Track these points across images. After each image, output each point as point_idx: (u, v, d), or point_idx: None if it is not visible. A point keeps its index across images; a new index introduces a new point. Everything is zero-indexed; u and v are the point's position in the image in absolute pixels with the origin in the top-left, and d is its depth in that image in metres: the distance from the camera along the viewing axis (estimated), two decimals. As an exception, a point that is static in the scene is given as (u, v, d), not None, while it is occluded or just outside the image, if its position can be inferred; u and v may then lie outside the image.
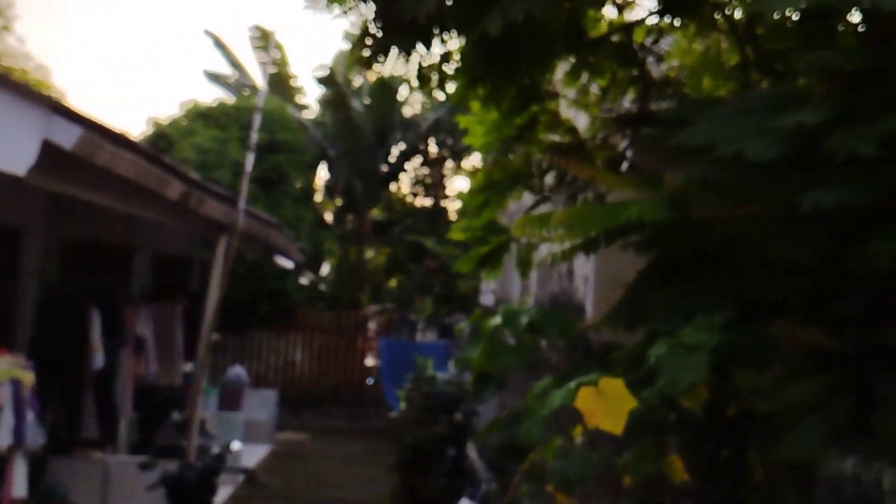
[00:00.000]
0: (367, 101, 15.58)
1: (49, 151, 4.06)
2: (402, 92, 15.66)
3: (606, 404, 2.88)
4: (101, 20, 45.17)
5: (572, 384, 2.92)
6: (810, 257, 2.72)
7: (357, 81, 15.78)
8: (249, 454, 10.58)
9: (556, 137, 5.80)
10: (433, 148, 16.90)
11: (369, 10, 3.83)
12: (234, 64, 15.70)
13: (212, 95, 15.38)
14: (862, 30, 3.50)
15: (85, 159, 4.28)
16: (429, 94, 4.49)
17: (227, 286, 12.30)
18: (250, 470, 9.81)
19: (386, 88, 15.08)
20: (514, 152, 5.87)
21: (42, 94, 4.09)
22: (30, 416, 5.55)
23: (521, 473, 3.33)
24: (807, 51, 3.45)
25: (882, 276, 2.65)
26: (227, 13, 46.48)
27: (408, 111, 16.42)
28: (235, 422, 10.36)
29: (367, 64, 3.99)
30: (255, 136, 7.36)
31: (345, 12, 3.90)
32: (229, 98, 14.93)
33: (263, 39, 14.74)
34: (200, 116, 13.66)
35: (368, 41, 3.87)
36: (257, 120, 7.43)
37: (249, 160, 7.27)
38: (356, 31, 3.92)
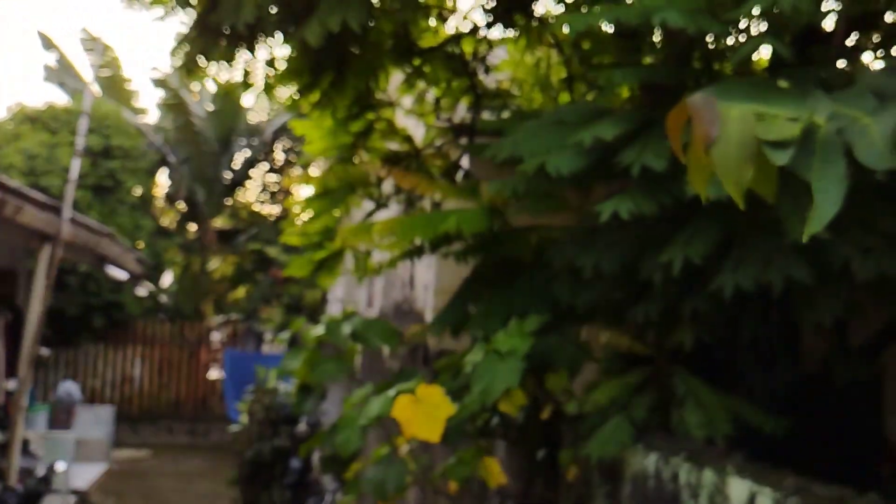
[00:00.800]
0: (210, 106, 15.15)
1: None
2: (248, 98, 15.35)
3: (424, 412, 2.91)
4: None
5: (391, 392, 2.94)
6: (610, 265, 2.85)
7: (197, 86, 15.35)
8: (82, 474, 10.04)
9: (394, 145, 5.86)
10: (279, 155, 16.63)
11: (189, 15, 3.72)
12: (67, 66, 14.88)
13: (43, 98, 14.53)
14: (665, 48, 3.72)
15: None
16: (256, 98, 4.41)
17: (59, 298, 11.68)
18: (81, 491, 9.31)
19: (229, 93, 14.71)
20: (353, 159, 5.88)
21: None
22: None
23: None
24: (619, 66, 3.64)
25: (675, 283, 2.81)
26: (63, 12, 43.97)
27: (253, 117, 16.08)
28: (66, 441, 9.79)
29: (188, 69, 3.87)
30: (81, 141, 7.01)
31: (165, 15, 3.77)
32: (61, 101, 14.12)
33: (92, 42, 14.10)
34: (28, 120, 12.87)
35: (188, 47, 3.75)
36: (84, 123, 7.08)
37: (75, 165, 6.91)
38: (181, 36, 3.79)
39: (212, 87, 14.98)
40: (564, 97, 5.13)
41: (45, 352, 12.08)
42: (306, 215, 5.73)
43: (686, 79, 3.28)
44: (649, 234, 2.87)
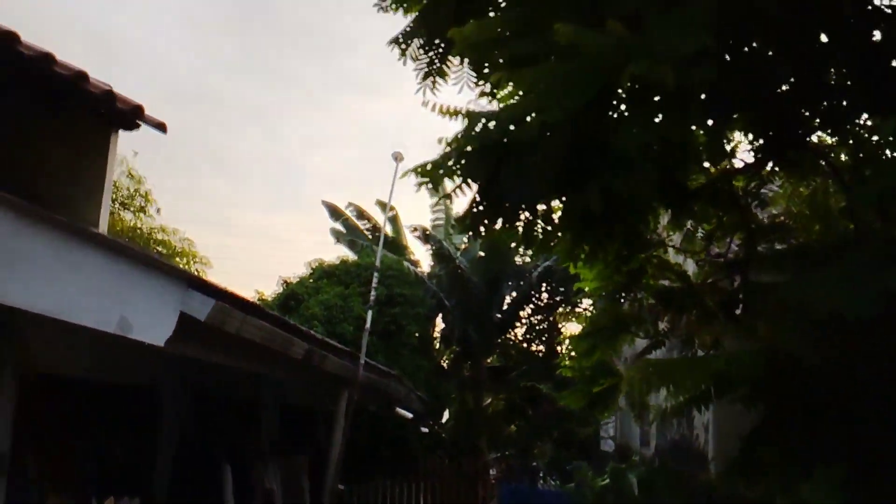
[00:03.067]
0: (480, 253, 16.12)
1: (185, 322, 4.43)
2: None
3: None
4: (230, 190, 48.73)
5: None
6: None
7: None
8: None
9: (666, 282, 5.85)
10: (545, 294, 17.09)
11: (474, 188, 4.10)
12: (353, 227, 16.68)
13: (337, 253, 16.33)
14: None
15: (217, 327, 4.64)
16: (536, 252, 4.67)
17: (350, 436, 12.56)
18: None
19: (497, 241, 15.55)
20: (625, 298, 5.93)
21: (179, 269, 4.51)
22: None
23: None
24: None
25: None
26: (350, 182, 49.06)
27: (518, 259, 16.82)
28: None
29: (475, 233, 4.23)
30: (373, 294, 7.74)
31: (454, 192, 4.15)
32: (351, 256, 15.73)
33: (375, 206, 15.83)
34: (325, 275, 14.42)
35: (475, 214, 4.11)
36: (375, 279, 7.84)
37: (368, 316, 7.62)
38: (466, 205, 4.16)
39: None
40: (845, 226, 4.90)
41: (340, 487, 12.92)
42: (580, 351, 5.84)
43: None
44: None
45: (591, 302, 16.52)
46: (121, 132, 5.51)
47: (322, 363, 6.62)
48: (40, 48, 4.61)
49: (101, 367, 6.13)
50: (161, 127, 5.50)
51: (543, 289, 16.85)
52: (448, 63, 4.58)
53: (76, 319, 4.38)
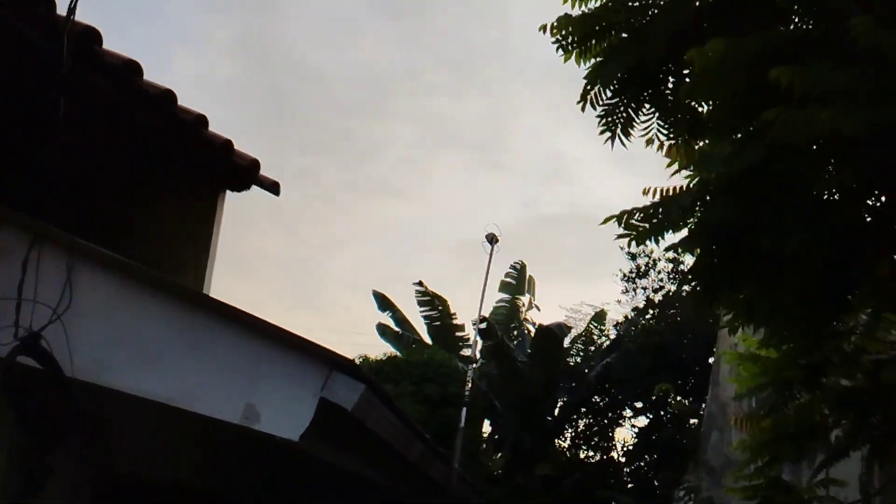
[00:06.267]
0: (529, 350, 15.30)
1: (324, 412, 3.60)
2: (566, 341, 15.40)
3: None
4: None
5: None
6: None
7: (517, 332, 15.81)
8: None
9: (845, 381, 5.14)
10: (596, 397, 16.13)
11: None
12: (401, 320, 15.90)
13: (382, 350, 15.37)
14: None
15: (358, 420, 3.82)
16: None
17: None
18: None
19: (549, 337, 14.74)
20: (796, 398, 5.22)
21: (323, 348, 3.69)
22: None
23: None
24: None
25: None
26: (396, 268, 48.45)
27: (572, 360, 16.04)
28: None
29: (702, 302, 3.60)
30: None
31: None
32: (398, 352, 14.88)
33: (426, 295, 15.19)
34: (373, 372, 13.49)
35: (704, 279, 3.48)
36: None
37: (463, 413, 6.84)
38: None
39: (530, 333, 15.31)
40: None
41: None
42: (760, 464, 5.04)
43: None
44: None
45: (640, 405, 15.68)
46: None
47: (429, 467, 5.78)
48: (163, 86, 3.96)
49: (185, 470, 5.20)
50: (274, 187, 4.82)
51: (600, 392, 15.91)
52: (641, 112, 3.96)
53: (195, 408, 3.56)
